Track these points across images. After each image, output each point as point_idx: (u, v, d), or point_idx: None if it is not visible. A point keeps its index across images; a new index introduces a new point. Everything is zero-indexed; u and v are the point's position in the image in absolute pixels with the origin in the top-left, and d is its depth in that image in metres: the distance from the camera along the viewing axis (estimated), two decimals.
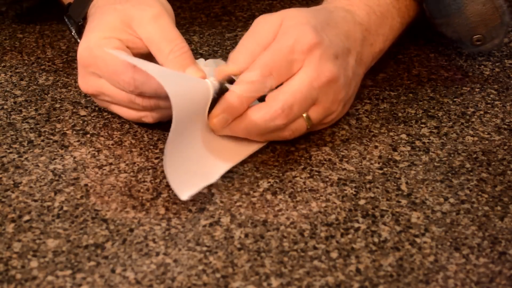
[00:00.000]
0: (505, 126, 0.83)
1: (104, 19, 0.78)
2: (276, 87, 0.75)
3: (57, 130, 0.81)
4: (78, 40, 0.84)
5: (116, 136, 0.80)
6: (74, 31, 0.85)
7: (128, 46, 0.77)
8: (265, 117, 0.74)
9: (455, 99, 0.87)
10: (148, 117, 0.78)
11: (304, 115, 0.76)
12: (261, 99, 0.75)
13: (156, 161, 0.77)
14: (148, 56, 0.76)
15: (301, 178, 0.76)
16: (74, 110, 0.83)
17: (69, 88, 0.87)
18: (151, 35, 0.76)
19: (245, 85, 0.74)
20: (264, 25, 0.78)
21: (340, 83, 0.77)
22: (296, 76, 0.75)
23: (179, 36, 0.76)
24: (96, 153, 0.78)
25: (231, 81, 0.75)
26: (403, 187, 0.75)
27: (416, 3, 0.86)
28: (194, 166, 0.73)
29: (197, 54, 0.93)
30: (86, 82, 0.79)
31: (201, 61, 0.83)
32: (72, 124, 0.82)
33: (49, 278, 0.65)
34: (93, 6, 0.82)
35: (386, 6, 0.84)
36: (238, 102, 0.74)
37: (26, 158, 0.77)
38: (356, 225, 0.71)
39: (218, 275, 0.65)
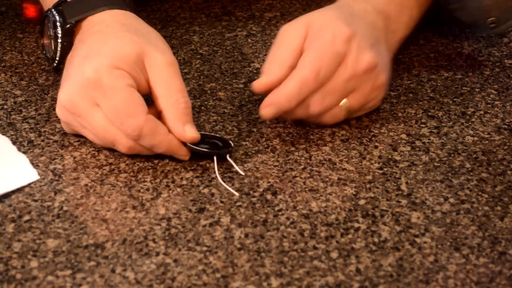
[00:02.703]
0: (505, 126, 0.83)
1: (119, 46, 0.75)
2: None
3: (57, 130, 0.81)
4: (59, 43, 0.80)
5: None
6: (59, 32, 0.80)
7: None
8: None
9: (455, 99, 0.87)
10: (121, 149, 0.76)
11: (343, 102, 0.79)
12: None
13: (156, 161, 0.77)
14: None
15: (301, 178, 0.76)
16: None
17: None
18: (162, 80, 0.75)
19: (295, 83, 0.76)
20: (290, 32, 0.79)
21: (378, 69, 0.79)
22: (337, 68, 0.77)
23: (185, 90, 0.76)
24: (96, 153, 0.78)
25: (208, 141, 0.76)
26: (403, 187, 0.75)
27: None
28: None
29: (197, 54, 0.93)
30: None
31: None
32: None
33: (49, 278, 0.65)
34: (96, 23, 0.78)
35: None
36: (285, 99, 0.76)
37: None
38: (356, 225, 0.71)
39: (218, 275, 0.65)
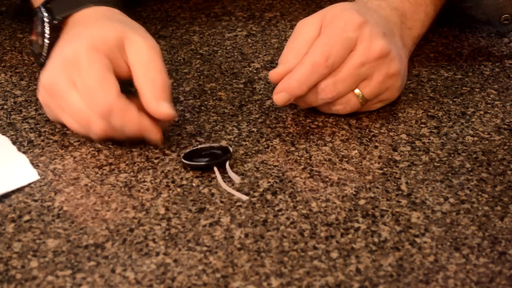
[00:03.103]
0: (505, 126, 0.83)
1: (100, 31, 0.77)
2: None
3: (57, 130, 0.81)
4: (46, 39, 0.82)
5: None
6: (47, 28, 0.82)
7: (113, 67, 0.75)
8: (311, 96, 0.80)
9: (455, 99, 0.87)
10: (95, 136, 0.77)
11: (357, 91, 0.79)
12: None
13: (156, 161, 0.77)
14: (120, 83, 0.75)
15: (301, 178, 0.76)
16: None
17: None
18: (141, 60, 0.75)
19: (305, 68, 0.78)
20: (306, 24, 0.81)
21: (391, 57, 0.79)
22: (349, 55, 0.79)
23: (166, 71, 0.76)
24: (96, 153, 0.78)
25: None
26: (403, 187, 0.75)
27: None
28: None
29: (197, 54, 0.93)
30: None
31: None
32: None
33: (49, 278, 0.65)
34: (81, 18, 0.81)
35: None
36: (296, 84, 0.78)
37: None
38: (356, 225, 0.71)
39: (218, 275, 0.65)
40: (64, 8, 0.82)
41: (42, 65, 0.84)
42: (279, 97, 0.79)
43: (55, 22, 0.81)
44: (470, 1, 0.90)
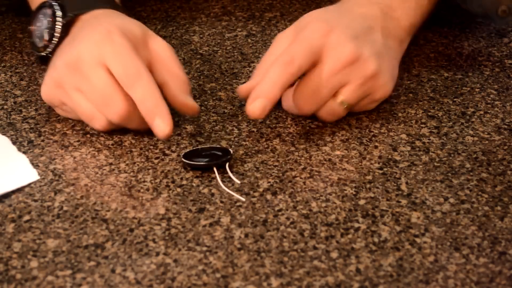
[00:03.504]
0: (505, 126, 0.83)
1: (125, 23, 0.79)
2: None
3: (57, 130, 0.81)
4: (55, 34, 0.82)
5: (116, 136, 0.80)
6: (58, 24, 0.82)
7: None
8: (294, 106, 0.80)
9: (455, 99, 0.87)
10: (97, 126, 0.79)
11: (340, 98, 0.79)
12: None
13: (156, 161, 0.77)
14: None
15: (301, 178, 0.76)
16: None
17: None
18: (168, 58, 0.79)
19: (275, 69, 0.77)
20: (282, 37, 0.81)
21: (364, 59, 0.78)
22: (318, 64, 0.78)
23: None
24: (96, 153, 0.78)
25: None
26: (403, 187, 0.75)
27: None
28: None
29: (197, 54, 0.93)
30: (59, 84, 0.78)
31: None
32: (72, 124, 0.82)
33: (49, 278, 0.65)
34: (99, 14, 0.82)
35: None
36: (269, 84, 0.76)
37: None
38: (356, 225, 0.71)
39: (218, 275, 0.65)
40: (78, 6, 0.83)
41: (42, 59, 0.84)
42: (255, 104, 0.76)
43: (68, 18, 0.82)
44: None
